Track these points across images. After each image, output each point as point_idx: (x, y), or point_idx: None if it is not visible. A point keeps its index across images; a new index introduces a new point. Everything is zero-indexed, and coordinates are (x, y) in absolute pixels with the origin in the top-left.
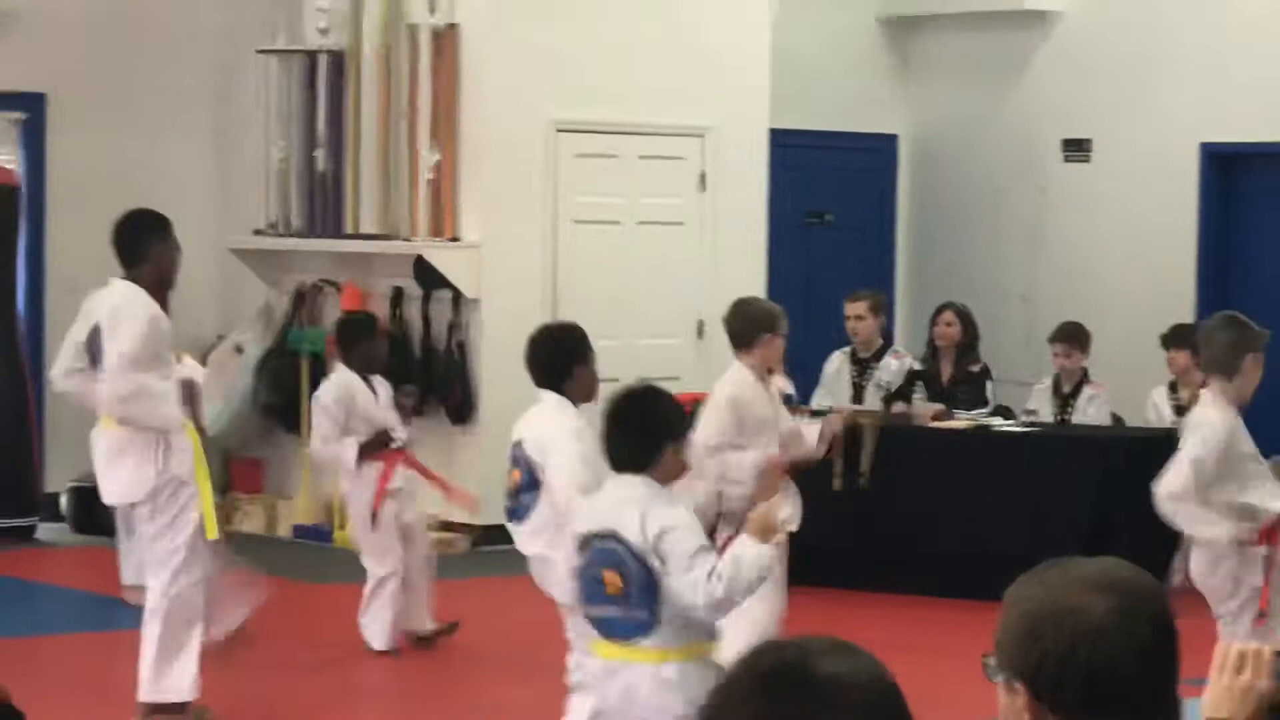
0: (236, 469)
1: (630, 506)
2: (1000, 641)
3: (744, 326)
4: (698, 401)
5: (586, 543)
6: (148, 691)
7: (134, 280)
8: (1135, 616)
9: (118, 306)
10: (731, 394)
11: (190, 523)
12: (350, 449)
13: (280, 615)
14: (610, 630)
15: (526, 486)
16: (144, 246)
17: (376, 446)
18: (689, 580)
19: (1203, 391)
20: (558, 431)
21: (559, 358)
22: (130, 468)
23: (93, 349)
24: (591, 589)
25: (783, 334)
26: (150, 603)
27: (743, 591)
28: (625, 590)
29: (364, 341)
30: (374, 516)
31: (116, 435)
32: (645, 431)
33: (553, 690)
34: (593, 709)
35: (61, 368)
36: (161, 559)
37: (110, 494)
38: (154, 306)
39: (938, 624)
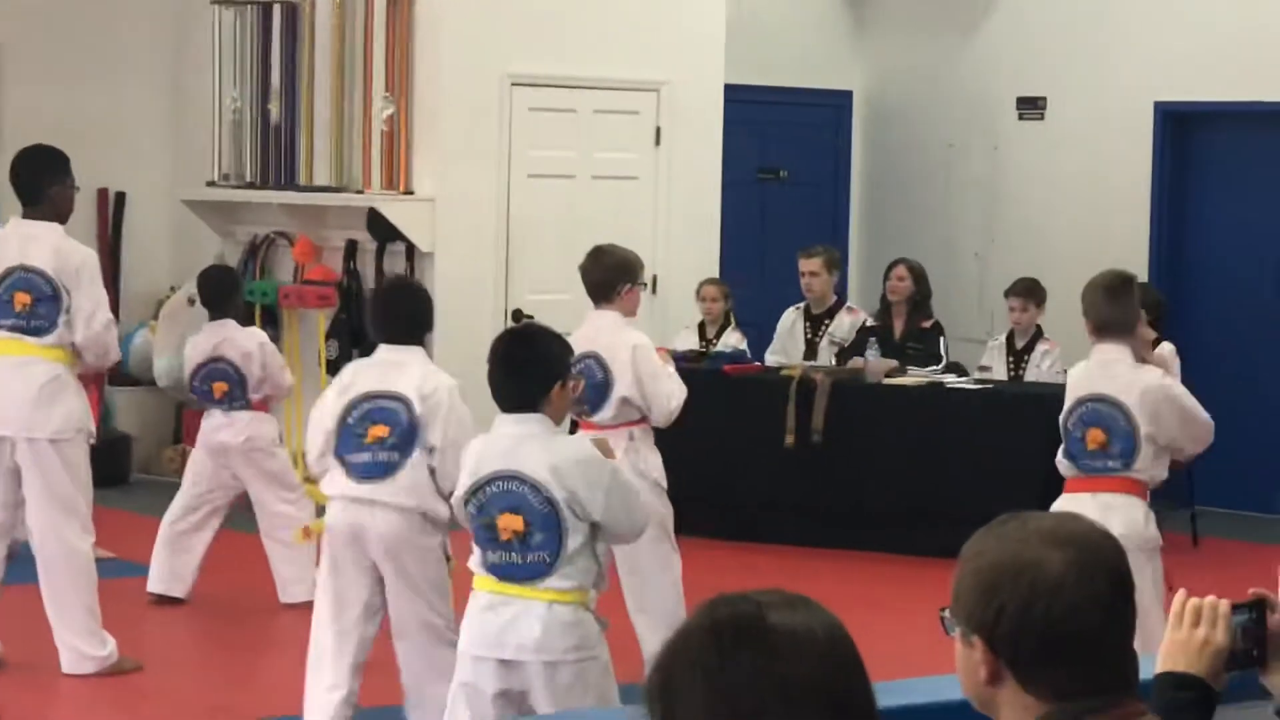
0: (188, 419)
1: (530, 444)
2: (957, 595)
3: (603, 276)
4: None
5: (479, 488)
6: (92, 659)
7: (40, 218)
8: (1092, 570)
9: (67, 251)
10: (644, 340)
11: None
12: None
13: (233, 568)
14: (507, 575)
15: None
16: (45, 184)
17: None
18: (633, 502)
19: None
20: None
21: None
22: (70, 402)
23: (15, 287)
24: (485, 535)
25: (642, 284)
26: (70, 558)
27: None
28: (526, 533)
29: (238, 293)
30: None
31: (59, 369)
32: (533, 371)
33: None
34: (465, 642)
35: None
36: (74, 508)
37: (30, 427)
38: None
39: (891, 580)
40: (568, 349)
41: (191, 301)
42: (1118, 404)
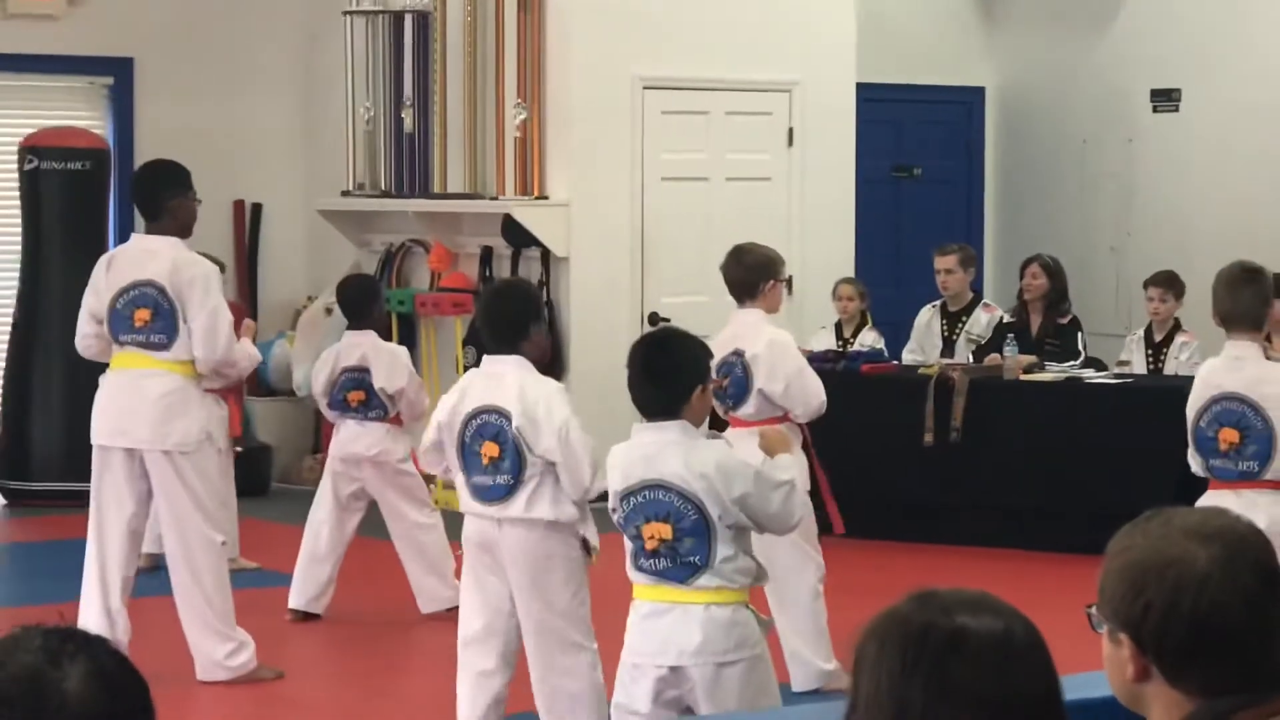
0: (327, 429)
1: (672, 450)
2: (1103, 592)
3: (745, 275)
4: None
5: (624, 498)
6: (224, 667)
7: (164, 233)
8: (1239, 565)
9: (182, 264)
10: (784, 336)
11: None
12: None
13: (370, 578)
14: (660, 575)
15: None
16: (164, 199)
17: None
18: (778, 497)
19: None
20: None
21: (516, 317)
22: (190, 416)
23: (135, 303)
24: (634, 544)
25: (784, 279)
26: (199, 566)
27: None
28: (674, 540)
29: (378, 302)
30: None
31: (178, 381)
32: (674, 376)
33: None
34: (626, 651)
35: (83, 334)
36: (203, 516)
37: (153, 440)
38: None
39: (1030, 577)
40: (706, 352)
41: (329, 311)
42: (1248, 401)
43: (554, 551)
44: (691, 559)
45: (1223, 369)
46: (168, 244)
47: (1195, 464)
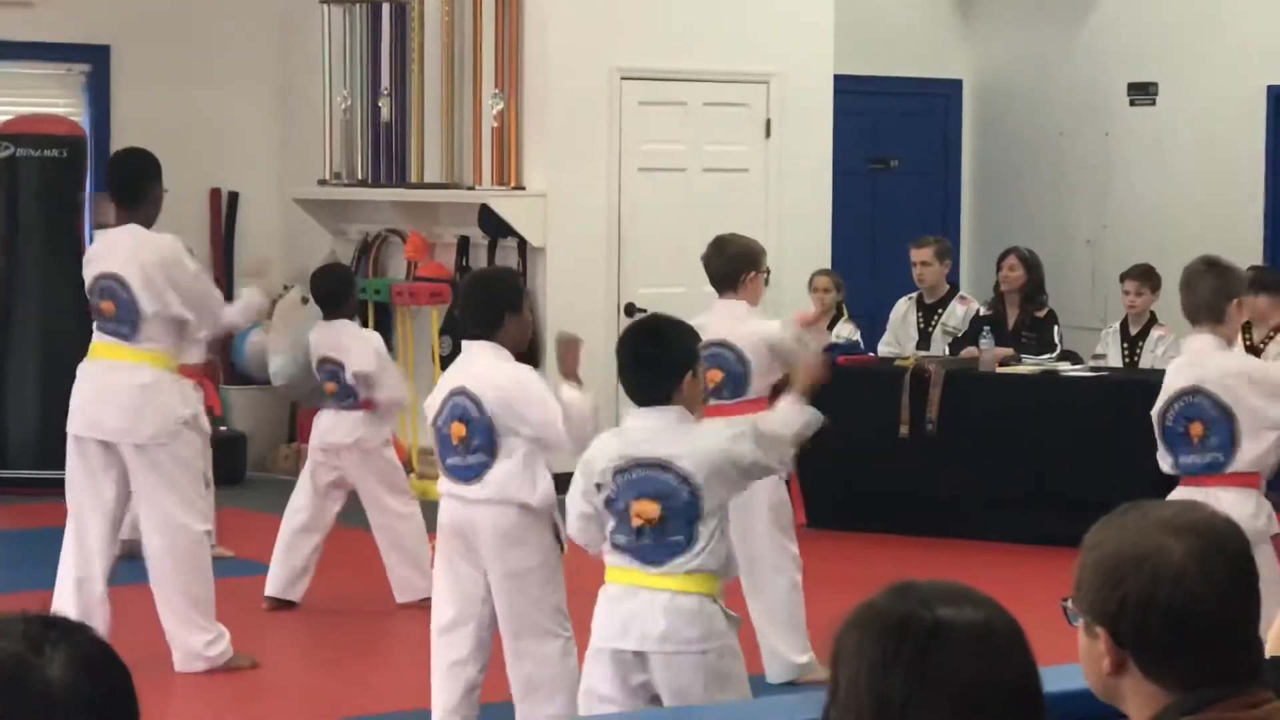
0: (303, 418)
1: (675, 433)
2: (1079, 586)
3: (727, 266)
4: None
5: (614, 475)
6: (202, 657)
7: (135, 220)
8: (1214, 558)
9: (137, 248)
10: (775, 326)
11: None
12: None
13: (347, 567)
14: (638, 558)
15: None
16: (147, 186)
17: None
18: (763, 453)
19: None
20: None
21: (493, 305)
22: (164, 406)
23: (112, 295)
24: (618, 520)
25: (764, 271)
26: (177, 553)
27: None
28: (662, 518)
29: (352, 292)
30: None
31: (149, 372)
32: (663, 363)
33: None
34: (595, 633)
35: None
36: (180, 503)
37: (137, 433)
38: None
39: (1006, 569)
40: (695, 337)
41: (305, 300)
42: (1206, 393)
43: (528, 537)
44: (675, 539)
45: (1184, 363)
46: (129, 233)
47: (1164, 463)
